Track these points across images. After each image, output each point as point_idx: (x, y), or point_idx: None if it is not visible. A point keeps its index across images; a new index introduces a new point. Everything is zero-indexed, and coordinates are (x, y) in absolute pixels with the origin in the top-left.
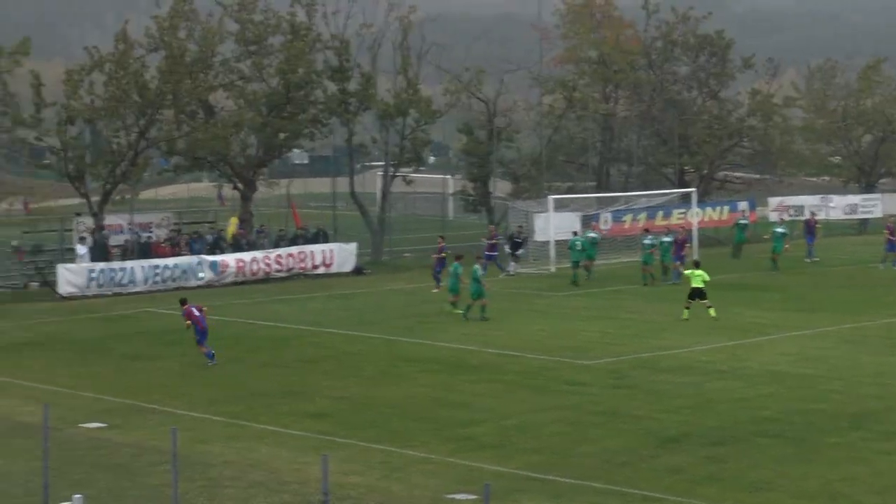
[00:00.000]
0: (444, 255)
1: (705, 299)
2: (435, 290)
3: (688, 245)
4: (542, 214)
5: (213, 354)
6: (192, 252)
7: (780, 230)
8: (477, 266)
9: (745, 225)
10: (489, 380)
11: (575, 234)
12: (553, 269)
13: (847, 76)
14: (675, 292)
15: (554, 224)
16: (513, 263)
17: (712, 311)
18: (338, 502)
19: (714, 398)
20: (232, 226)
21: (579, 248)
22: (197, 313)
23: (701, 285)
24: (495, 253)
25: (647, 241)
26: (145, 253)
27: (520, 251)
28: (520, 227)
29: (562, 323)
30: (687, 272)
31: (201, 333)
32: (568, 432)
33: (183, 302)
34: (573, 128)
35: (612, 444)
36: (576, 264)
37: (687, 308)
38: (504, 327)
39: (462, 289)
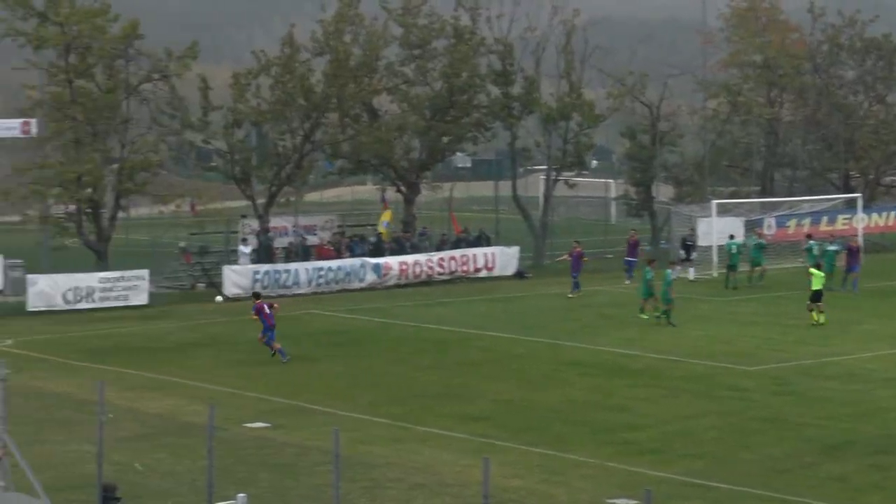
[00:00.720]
0: (583, 258)
1: (819, 302)
2: (570, 295)
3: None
4: (705, 219)
5: (285, 352)
6: (353, 254)
7: None
8: (669, 270)
9: None
10: (650, 384)
11: (731, 237)
12: (715, 273)
13: None
14: (844, 300)
15: (717, 229)
16: (691, 269)
17: (821, 318)
18: None
19: (880, 406)
20: (385, 216)
21: (734, 251)
22: (267, 310)
23: (820, 287)
24: (635, 259)
25: (813, 248)
26: (308, 255)
27: (693, 255)
28: (691, 230)
29: (724, 328)
30: (811, 271)
31: (269, 330)
32: (729, 438)
33: (256, 296)
34: (737, 132)
35: (773, 451)
36: (731, 268)
37: (813, 311)
38: (665, 332)
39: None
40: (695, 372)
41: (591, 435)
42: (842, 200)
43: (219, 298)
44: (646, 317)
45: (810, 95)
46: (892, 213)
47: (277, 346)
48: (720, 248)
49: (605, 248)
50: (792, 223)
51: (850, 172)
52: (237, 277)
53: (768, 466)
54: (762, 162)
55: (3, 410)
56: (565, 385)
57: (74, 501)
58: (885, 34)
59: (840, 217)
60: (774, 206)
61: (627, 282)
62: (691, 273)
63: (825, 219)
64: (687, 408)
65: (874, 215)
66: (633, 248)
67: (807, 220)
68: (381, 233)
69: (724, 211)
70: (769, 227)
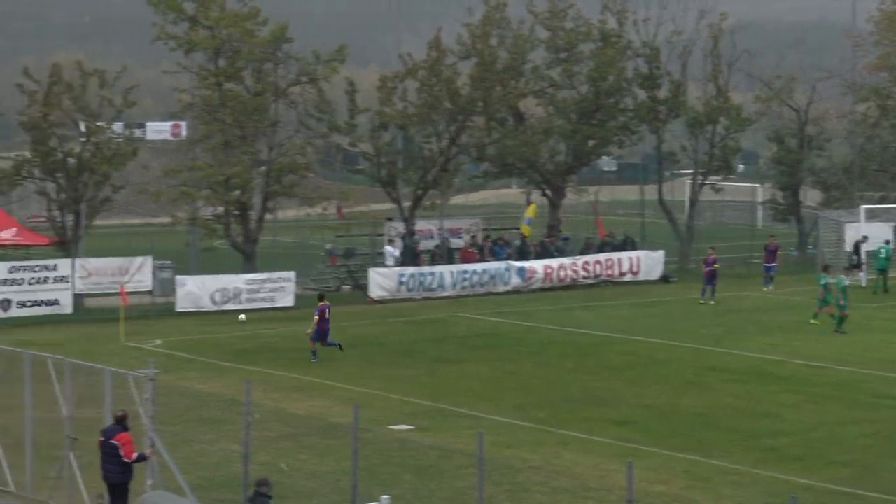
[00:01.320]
0: (715, 267)
1: None
2: (701, 302)
3: None
4: (854, 224)
5: (317, 353)
6: (497, 257)
7: None
8: (841, 276)
9: None
10: (796, 391)
11: (888, 242)
12: (863, 280)
13: None
14: None
15: (868, 233)
16: (861, 274)
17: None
18: None
19: None
20: (530, 211)
21: (883, 255)
22: (327, 314)
23: None
24: (774, 264)
25: None
26: (452, 258)
27: (863, 260)
28: (864, 236)
29: (872, 335)
30: None
31: (320, 334)
32: (877, 446)
33: (321, 297)
34: (887, 136)
35: None
36: (881, 272)
37: None
38: (812, 338)
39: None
40: (841, 379)
41: (736, 441)
42: None
43: (242, 317)
44: (817, 323)
45: None
46: None
47: (314, 346)
48: (870, 252)
49: (751, 253)
50: None
51: None
52: (382, 280)
53: None
54: None
55: (151, 410)
56: (709, 391)
57: (222, 501)
58: None
59: None
60: None
61: (766, 288)
62: (863, 279)
63: None
64: (833, 415)
65: None
66: (772, 254)
67: None
68: (522, 231)
69: (872, 216)
70: None
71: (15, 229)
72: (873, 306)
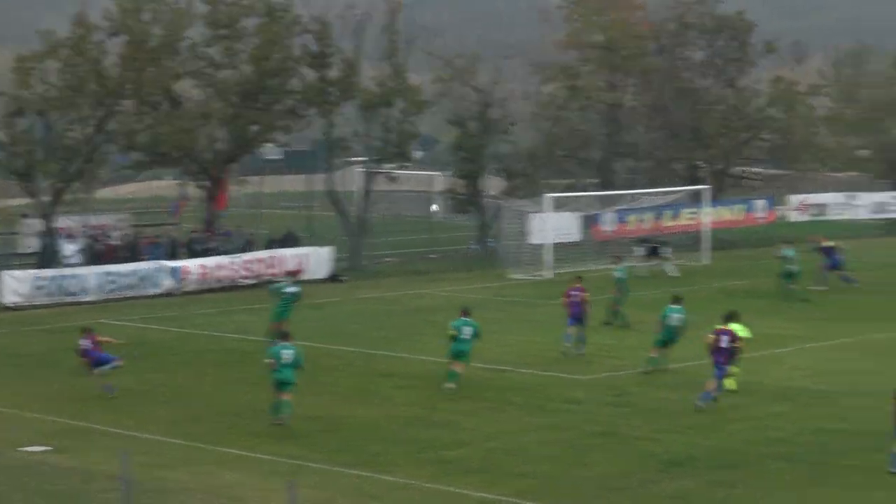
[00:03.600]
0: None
1: None
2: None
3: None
4: (539, 215)
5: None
6: (151, 257)
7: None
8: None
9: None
10: (474, 397)
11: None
12: (550, 274)
13: (879, 62)
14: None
15: (552, 225)
16: (667, 265)
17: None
18: None
19: (722, 417)
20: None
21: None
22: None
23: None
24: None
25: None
26: (99, 258)
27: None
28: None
29: (555, 334)
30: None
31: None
32: (560, 455)
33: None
34: (575, 119)
35: (608, 468)
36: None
37: None
38: (492, 339)
39: None
40: (524, 383)
41: (410, 453)
42: (687, 193)
43: None
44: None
45: (655, 79)
46: (742, 207)
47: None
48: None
49: (429, 248)
50: (633, 218)
51: (697, 162)
52: (17, 284)
53: (604, 485)
54: (601, 152)
55: None
56: (383, 399)
57: None
58: (738, 11)
59: (685, 211)
60: (614, 199)
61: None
62: (669, 269)
63: (669, 213)
64: (515, 422)
65: (722, 209)
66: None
67: (649, 215)
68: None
69: (559, 206)
70: (608, 222)
71: None
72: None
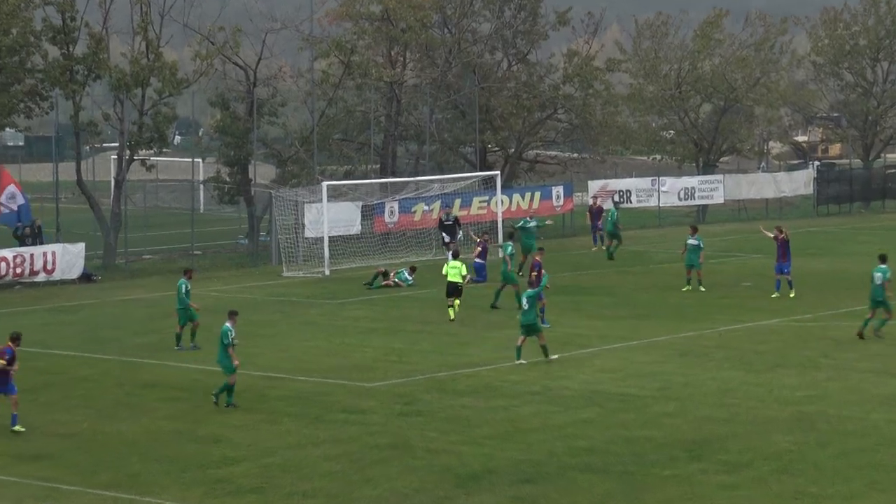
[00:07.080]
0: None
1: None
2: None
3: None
4: (315, 205)
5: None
6: None
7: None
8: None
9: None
10: (248, 409)
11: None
12: (327, 271)
13: (682, 34)
14: (482, 299)
15: (329, 217)
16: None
17: (451, 313)
18: None
19: (524, 426)
20: None
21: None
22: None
23: (458, 280)
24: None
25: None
26: None
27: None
28: (445, 212)
29: (338, 337)
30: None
31: None
32: (344, 471)
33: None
34: (352, 99)
35: (398, 484)
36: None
37: (450, 307)
38: (268, 343)
39: None
40: (302, 391)
41: (177, 473)
42: (478, 179)
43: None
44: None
45: (439, 54)
46: (537, 194)
47: None
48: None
49: (193, 243)
50: (419, 208)
51: (488, 146)
52: None
53: (393, 503)
54: (382, 135)
55: None
56: (145, 413)
57: None
58: None
59: (476, 199)
60: (397, 187)
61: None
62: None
63: (459, 201)
64: (294, 435)
65: (516, 196)
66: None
67: (436, 204)
68: None
69: (337, 195)
70: (391, 212)
71: None
72: (336, 303)
